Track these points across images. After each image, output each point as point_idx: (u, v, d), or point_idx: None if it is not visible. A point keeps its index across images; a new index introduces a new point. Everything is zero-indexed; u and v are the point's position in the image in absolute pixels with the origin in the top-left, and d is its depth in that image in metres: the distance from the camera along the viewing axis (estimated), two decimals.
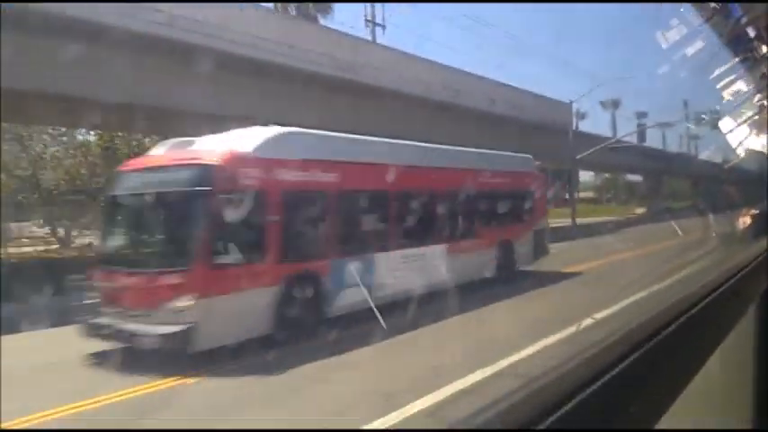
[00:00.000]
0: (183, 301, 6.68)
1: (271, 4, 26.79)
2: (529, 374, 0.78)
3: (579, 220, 37.13)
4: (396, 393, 5.54)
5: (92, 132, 22.30)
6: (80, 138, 23.11)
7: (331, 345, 7.22)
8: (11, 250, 21.72)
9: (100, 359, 7.16)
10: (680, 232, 22.52)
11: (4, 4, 10.95)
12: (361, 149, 9.63)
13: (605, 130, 48.35)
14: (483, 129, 24.44)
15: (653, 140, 58.87)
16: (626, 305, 7.84)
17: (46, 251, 21.74)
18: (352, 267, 8.64)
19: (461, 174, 11.57)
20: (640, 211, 45.87)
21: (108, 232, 8.63)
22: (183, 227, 7.31)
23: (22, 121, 19.62)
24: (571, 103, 31.01)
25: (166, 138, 9.87)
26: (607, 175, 54.60)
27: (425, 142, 12.50)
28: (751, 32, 3.14)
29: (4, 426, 4.66)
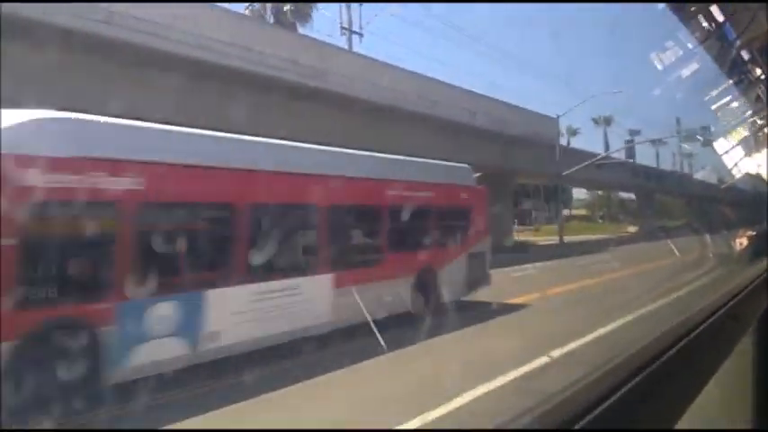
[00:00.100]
0: None
1: (244, 8, 25.81)
2: (523, 405, 0.70)
3: (570, 238, 36.06)
4: None
5: None
6: None
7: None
8: None
9: None
10: (676, 252, 21.55)
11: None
12: (191, 148, 6.99)
13: (599, 148, 47.19)
14: (462, 142, 23.05)
15: (647, 159, 57.68)
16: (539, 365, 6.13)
17: None
18: (162, 310, 6.15)
19: (363, 184, 9.23)
20: (633, 229, 44.62)
21: None
22: None
23: None
24: (558, 117, 29.68)
25: None
26: (600, 192, 53.47)
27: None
28: (745, 55, 3.05)
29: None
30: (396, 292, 9.16)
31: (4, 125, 5.34)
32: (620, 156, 34.22)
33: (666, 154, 64.62)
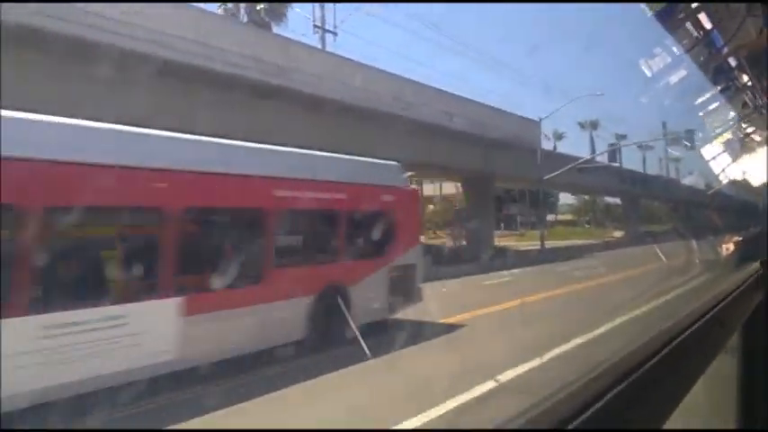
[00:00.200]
0: None
1: (217, 7, 25.03)
2: (505, 415, 0.68)
3: (554, 243, 35.47)
4: None
5: None
6: None
7: None
8: None
9: None
10: (662, 257, 21.10)
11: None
12: None
13: (585, 153, 46.63)
14: (439, 145, 22.34)
15: (634, 163, 57.32)
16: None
17: None
18: None
19: (237, 183, 7.28)
20: (619, 234, 44.07)
21: None
22: None
23: None
24: (540, 120, 28.99)
25: None
26: (586, 197, 52.96)
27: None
28: (732, 62, 3.10)
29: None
30: (283, 318, 7.41)
31: None
32: (604, 160, 33.50)
33: (654, 159, 64.34)
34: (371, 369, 6.55)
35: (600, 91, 55.23)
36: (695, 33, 2.75)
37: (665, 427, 1.05)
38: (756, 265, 2.16)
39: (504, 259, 23.09)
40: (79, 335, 5.35)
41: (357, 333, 7.16)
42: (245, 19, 25.12)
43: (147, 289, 6.25)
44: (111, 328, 5.60)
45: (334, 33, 23.32)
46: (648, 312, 8.21)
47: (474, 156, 24.94)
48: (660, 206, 52.48)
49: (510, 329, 8.99)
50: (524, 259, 24.07)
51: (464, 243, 29.15)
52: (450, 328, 9.26)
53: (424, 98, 21.68)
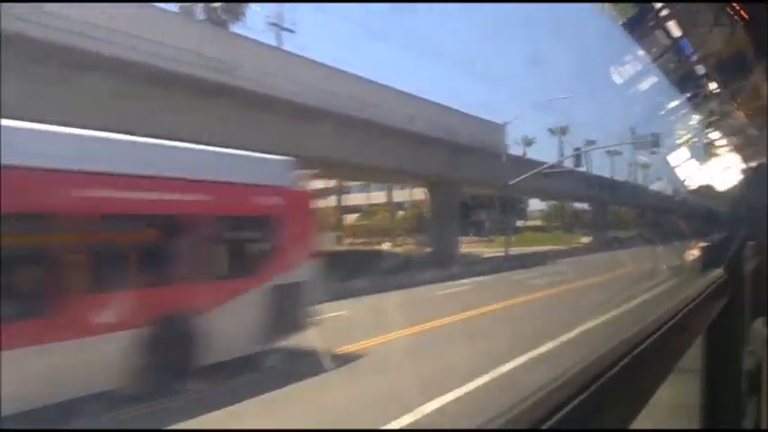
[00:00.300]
0: None
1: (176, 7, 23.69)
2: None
3: (521, 250, 34.79)
4: None
5: None
6: None
7: None
8: None
9: None
10: (628, 263, 20.57)
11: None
12: None
13: (555, 159, 46.19)
14: (400, 148, 21.33)
15: (604, 169, 57.24)
16: None
17: None
18: None
19: (26, 179, 5.42)
20: (587, 240, 43.67)
21: None
22: None
23: None
24: (505, 124, 28.24)
25: None
26: (555, 203, 52.63)
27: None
28: (700, 70, 3.15)
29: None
30: (88, 360, 5.56)
31: None
32: (570, 165, 32.95)
33: (623, 165, 64.60)
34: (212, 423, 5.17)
35: (566, 96, 54.73)
36: (664, 41, 2.75)
37: (633, 427, 1.05)
38: (720, 270, 2.14)
39: (465, 267, 22.17)
40: None
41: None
42: (202, 17, 23.84)
43: None
44: None
45: (291, 31, 22.19)
46: (604, 325, 7.36)
47: (438, 160, 24.01)
48: (628, 212, 52.40)
49: (434, 352, 7.79)
50: (487, 266, 23.20)
51: (428, 250, 28.15)
52: (348, 358, 7.66)
53: (385, 99, 20.67)
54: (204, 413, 5.28)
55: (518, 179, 28.13)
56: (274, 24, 21.63)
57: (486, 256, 29.50)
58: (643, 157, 47.08)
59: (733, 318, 2.06)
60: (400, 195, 47.13)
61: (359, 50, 73.98)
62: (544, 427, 0.71)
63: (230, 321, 6.93)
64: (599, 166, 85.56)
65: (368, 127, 19.38)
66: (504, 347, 7.02)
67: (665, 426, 1.96)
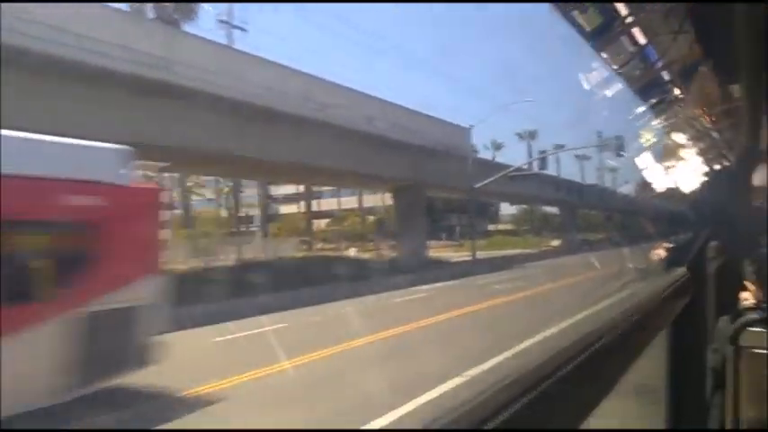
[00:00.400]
0: None
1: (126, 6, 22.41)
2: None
3: (490, 253, 34.21)
4: None
5: None
6: None
7: None
8: None
9: None
10: (596, 265, 20.11)
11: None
12: None
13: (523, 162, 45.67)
14: (360, 151, 20.38)
15: (573, 173, 57.15)
16: None
17: None
18: None
19: None
20: (556, 243, 43.30)
21: None
22: None
23: None
24: (470, 128, 27.51)
25: None
26: (525, 206, 52.29)
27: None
28: (666, 76, 3.25)
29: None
30: None
31: None
32: (537, 168, 32.40)
33: (591, 169, 64.67)
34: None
35: (531, 100, 54.51)
36: (631, 48, 2.77)
37: (586, 426, 1.00)
38: (683, 269, 2.16)
39: (431, 272, 21.27)
40: None
41: None
42: (152, 16, 22.61)
43: None
44: None
45: (243, 29, 21.10)
46: (562, 332, 6.49)
47: (401, 163, 23.12)
48: (597, 215, 52.34)
49: (334, 386, 6.70)
50: (452, 271, 22.34)
51: (394, 255, 27.22)
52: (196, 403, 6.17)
53: (343, 100, 19.72)
54: None
55: (484, 182, 27.41)
56: (224, 22, 20.52)
57: (454, 260, 28.69)
58: (611, 161, 47.06)
59: (696, 315, 2.10)
60: (372, 200, 46.26)
61: (318, 51, 71.62)
62: (486, 427, 0.65)
63: (20, 361, 5.10)
64: (569, 170, 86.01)
65: (325, 128, 18.37)
66: (433, 369, 6.07)
67: (631, 420, 1.98)
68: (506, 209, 56.96)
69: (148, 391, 6.35)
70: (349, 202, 48.19)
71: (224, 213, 43.85)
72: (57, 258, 5.80)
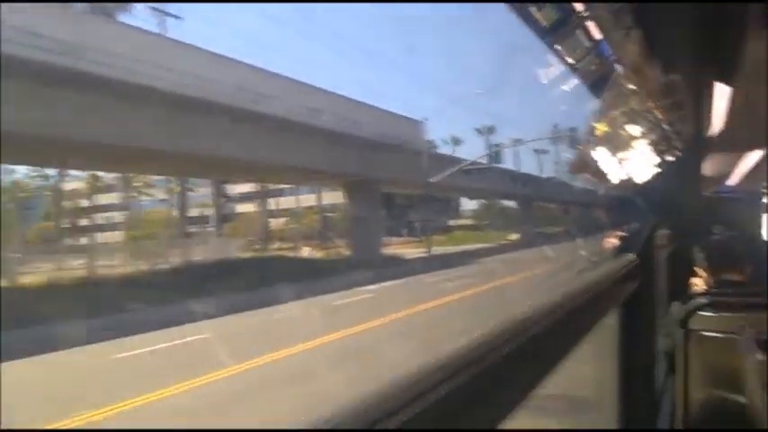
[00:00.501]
0: None
1: None
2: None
3: (451, 249, 33.52)
4: None
5: None
6: None
7: None
8: None
9: None
10: (551, 256, 20.55)
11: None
12: None
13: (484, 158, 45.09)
14: (303, 144, 19.12)
15: (532, 167, 57.03)
16: None
17: None
18: None
19: None
20: (515, 237, 42.93)
21: None
22: None
23: None
24: (424, 121, 26.57)
25: None
26: (485, 201, 51.84)
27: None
28: (619, 70, 3.25)
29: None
30: None
31: None
32: (494, 162, 31.73)
33: (550, 162, 64.99)
34: None
35: (482, 91, 54.23)
36: (586, 43, 2.73)
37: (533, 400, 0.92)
38: (632, 255, 2.10)
39: (382, 270, 20.20)
40: None
41: None
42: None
43: None
44: None
45: (177, 17, 19.56)
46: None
47: (351, 158, 21.95)
48: (555, 208, 52.34)
49: None
50: (405, 269, 21.32)
51: (349, 253, 26.07)
52: None
53: (283, 91, 18.41)
54: None
55: (439, 177, 26.54)
56: (156, 9, 18.94)
57: (409, 257, 27.71)
58: (567, 155, 47.11)
59: (646, 300, 2.09)
60: (332, 197, 44.98)
61: (258, 40, 66.53)
62: (392, 427, 0.59)
63: None
64: (529, 164, 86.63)
65: (263, 121, 17.07)
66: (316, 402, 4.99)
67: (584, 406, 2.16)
68: (468, 204, 56.65)
69: None
70: (309, 199, 46.73)
71: (176, 213, 42.03)
72: None
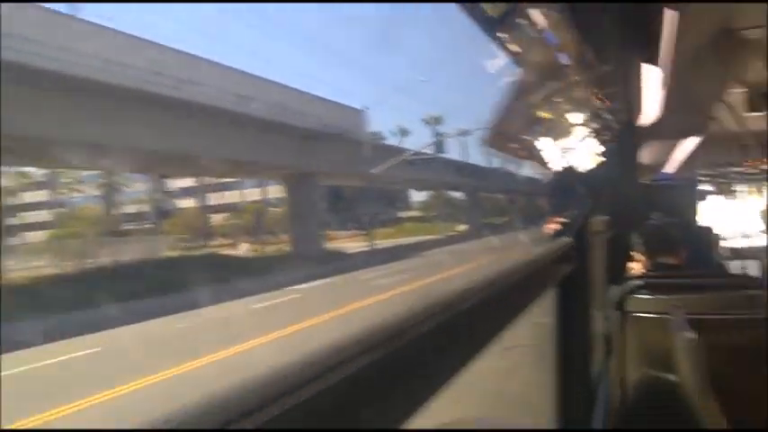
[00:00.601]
0: None
1: None
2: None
3: (399, 241, 32.80)
4: None
5: None
6: None
7: None
8: None
9: None
10: (495, 245, 20.13)
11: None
12: None
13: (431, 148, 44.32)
14: (232, 134, 17.63)
15: (478, 159, 56.86)
16: None
17: None
18: None
19: None
20: (462, 228, 42.62)
21: None
22: None
23: None
24: (365, 109, 25.45)
25: None
26: (433, 192, 51.38)
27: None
28: (564, 60, 3.26)
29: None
30: None
31: None
32: (440, 153, 30.98)
33: (495, 153, 64.97)
34: None
35: (425, 79, 53.71)
36: (533, 33, 2.70)
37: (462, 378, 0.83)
38: (568, 239, 2.09)
39: (317, 267, 19.02)
40: None
41: None
42: None
43: None
44: None
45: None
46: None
47: (287, 149, 20.59)
48: (503, 198, 52.49)
49: None
50: (344, 265, 20.19)
51: (289, 249, 24.74)
52: None
53: (208, 77, 16.84)
54: None
55: (384, 168, 25.54)
56: None
57: (352, 251, 26.65)
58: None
59: (582, 282, 2.09)
60: (278, 191, 43.32)
61: (181, 21, 60.60)
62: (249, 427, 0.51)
63: None
64: (475, 155, 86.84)
65: (184, 108, 15.51)
66: None
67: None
68: (418, 196, 56.06)
69: None
70: (254, 193, 44.83)
71: (112, 210, 39.42)
72: None
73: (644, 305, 2.21)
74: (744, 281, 2.95)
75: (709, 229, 4.37)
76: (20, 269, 20.08)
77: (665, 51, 3.56)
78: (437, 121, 50.22)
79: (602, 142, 4.47)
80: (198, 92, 16.03)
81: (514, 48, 2.84)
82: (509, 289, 1.18)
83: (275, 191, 43.09)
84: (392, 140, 44.38)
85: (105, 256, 23.50)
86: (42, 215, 41.08)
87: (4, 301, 12.97)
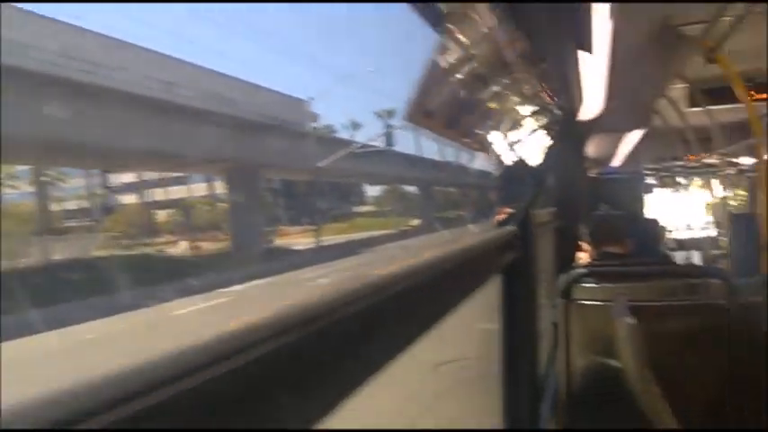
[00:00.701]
0: None
1: None
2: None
3: (351, 236, 31.82)
4: None
5: None
6: None
7: None
8: None
9: None
10: (447, 238, 19.45)
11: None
12: None
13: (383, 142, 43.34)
14: (157, 123, 16.08)
15: (429, 151, 56.35)
16: None
17: None
18: None
19: None
20: (416, 222, 42.01)
21: None
22: None
23: None
24: (310, 100, 24.20)
25: None
26: (387, 187, 50.61)
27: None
28: (513, 56, 3.19)
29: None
30: None
31: None
32: (389, 146, 30.11)
33: (447, 146, 64.84)
34: None
35: (373, 70, 53.08)
36: (483, 29, 2.63)
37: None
38: (513, 227, 2.12)
39: (259, 265, 17.79)
40: None
41: None
42: None
43: None
44: None
45: None
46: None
47: (222, 140, 19.14)
48: (456, 192, 52.27)
49: None
50: (286, 263, 19.03)
51: (229, 247, 23.31)
52: None
53: (127, 61, 15.25)
54: None
55: (332, 161, 24.42)
56: None
57: (299, 248, 25.45)
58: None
59: (525, 271, 2.09)
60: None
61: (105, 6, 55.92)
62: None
63: None
64: (430, 147, 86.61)
65: (98, 95, 13.92)
66: None
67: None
68: (372, 191, 55.13)
69: None
70: (201, 188, 42.81)
71: (47, 207, 36.84)
72: None
73: (590, 293, 2.25)
74: (686, 269, 3.08)
75: (654, 221, 4.46)
76: None
77: (601, 48, 3.58)
78: (389, 114, 49.44)
79: (550, 136, 4.58)
80: (114, 77, 14.45)
81: (467, 42, 2.71)
82: (444, 275, 1.08)
83: (222, 186, 41.33)
84: (343, 134, 43.40)
85: (35, 256, 21.62)
86: None
87: None
